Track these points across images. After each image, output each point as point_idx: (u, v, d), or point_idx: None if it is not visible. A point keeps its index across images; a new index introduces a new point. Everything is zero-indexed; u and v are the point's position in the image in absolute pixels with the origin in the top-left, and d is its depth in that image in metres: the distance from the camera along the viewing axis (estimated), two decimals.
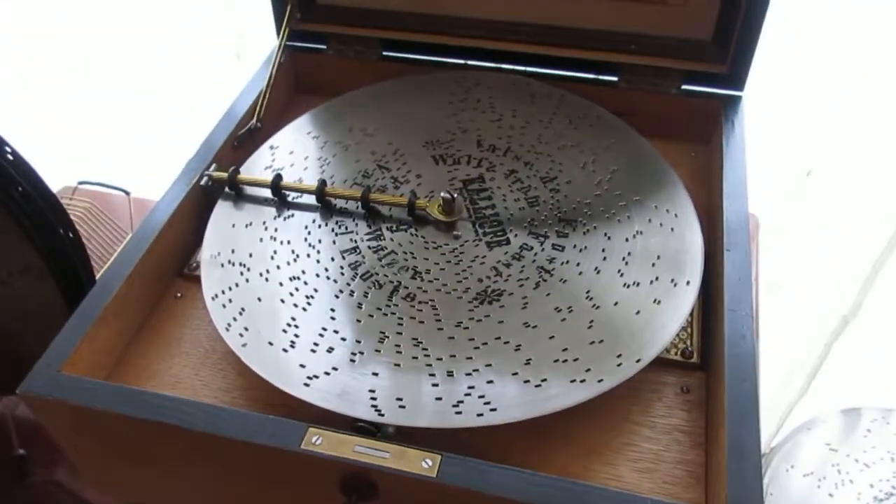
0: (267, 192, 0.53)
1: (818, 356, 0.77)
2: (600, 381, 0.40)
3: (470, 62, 0.65)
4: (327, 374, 0.42)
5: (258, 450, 0.38)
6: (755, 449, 0.37)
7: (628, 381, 0.41)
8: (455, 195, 0.50)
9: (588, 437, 0.43)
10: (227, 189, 0.53)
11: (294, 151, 0.57)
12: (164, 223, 0.50)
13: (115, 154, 1.18)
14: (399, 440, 0.38)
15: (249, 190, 0.54)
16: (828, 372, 0.80)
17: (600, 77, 0.63)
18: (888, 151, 0.63)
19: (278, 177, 0.52)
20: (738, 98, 0.59)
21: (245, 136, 0.58)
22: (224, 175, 0.53)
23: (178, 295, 0.51)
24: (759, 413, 0.39)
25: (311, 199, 0.52)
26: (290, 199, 0.53)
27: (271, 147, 0.58)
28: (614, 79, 0.62)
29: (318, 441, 0.38)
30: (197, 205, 0.53)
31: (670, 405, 0.44)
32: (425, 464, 0.37)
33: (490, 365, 0.41)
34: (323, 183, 0.51)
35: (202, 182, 0.53)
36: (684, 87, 0.60)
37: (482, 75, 0.62)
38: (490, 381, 0.40)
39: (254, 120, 0.59)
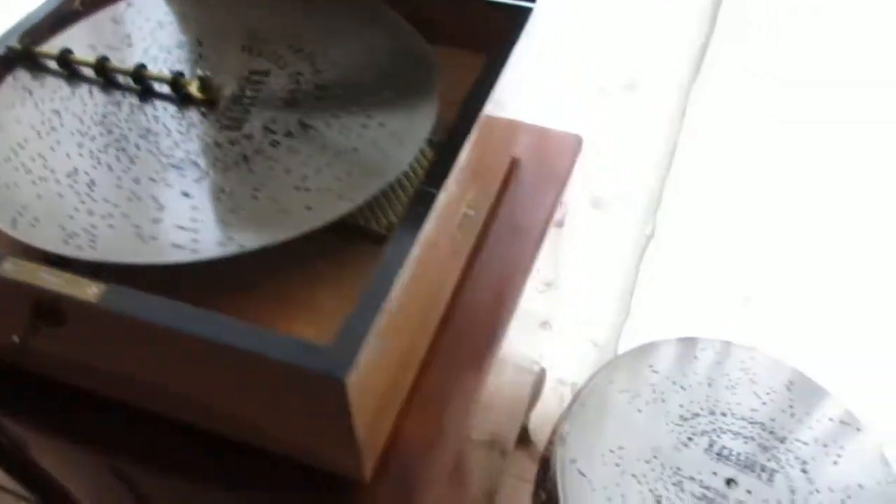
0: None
1: (631, 275, 0.80)
2: (195, 251, 0.44)
3: None
4: None
5: None
6: (379, 300, 0.41)
7: (335, 250, 0.47)
8: (211, 76, 0.54)
9: (289, 297, 0.48)
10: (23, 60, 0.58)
11: (143, 12, 0.62)
12: None
13: None
14: (103, 279, 0.43)
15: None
16: (644, 290, 0.83)
17: None
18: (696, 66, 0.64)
19: (66, 51, 0.57)
20: (529, 9, 0.61)
21: (65, 16, 0.63)
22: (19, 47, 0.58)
23: None
24: (397, 277, 0.42)
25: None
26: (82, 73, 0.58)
27: (128, 3, 0.63)
28: None
29: (9, 268, 0.43)
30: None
31: (365, 272, 0.48)
32: (92, 290, 0.42)
33: (127, 216, 0.46)
34: (104, 59, 0.56)
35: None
36: None
37: None
38: (111, 226, 0.45)
39: (76, 2, 0.63)
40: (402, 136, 0.51)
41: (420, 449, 0.51)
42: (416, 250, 0.44)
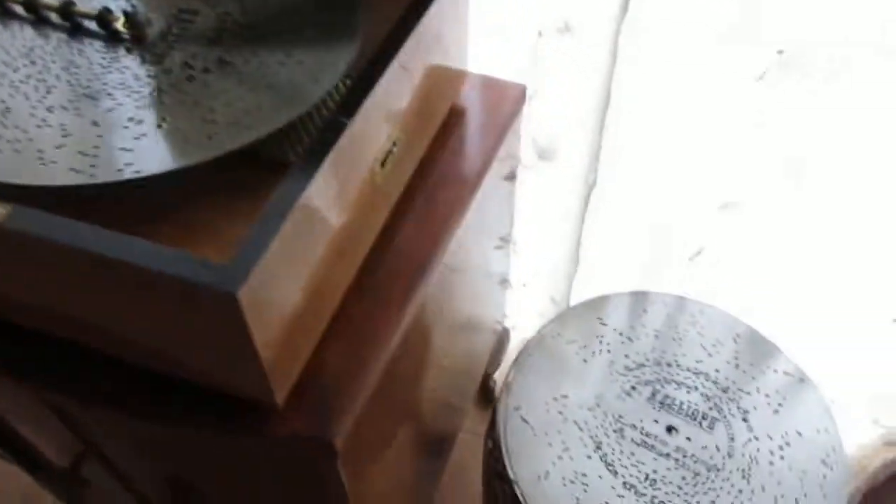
0: None
1: (576, 225, 0.80)
2: (92, 175, 0.45)
3: None
4: None
5: None
6: (277, 220, 0.42)
7: (252, 182, 0.48)
8: (138, 12, 0.54)
9: (201, 227, 0.49)
10: None
11: None
12: None
13: None
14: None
15: None
16: (591, 242, 0.83)
17: None
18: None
19: None
20: None
21: None
22: None
23: None
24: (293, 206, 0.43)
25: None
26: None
27: None
28: None
29: None
30: None
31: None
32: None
33: (33, 141, 0.47)
34: None
35: None
36: None
37: None
38: (16, 150, 0.46)
39: None
40: (318, 74, 0.52)
41: (338, 378, 0.52)
42: (322, 175, 0.45)
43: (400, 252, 0.60)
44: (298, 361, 0.51)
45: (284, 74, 0.52)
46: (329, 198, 0.47)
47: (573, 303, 0.94)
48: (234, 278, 0.39)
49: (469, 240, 0.81)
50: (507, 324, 1.10)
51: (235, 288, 0.39)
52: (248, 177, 0.50)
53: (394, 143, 0.56)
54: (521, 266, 0.95)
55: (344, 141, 0.47)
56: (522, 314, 1.06)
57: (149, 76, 0.52)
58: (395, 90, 0.53)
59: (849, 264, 0.78)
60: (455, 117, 0.70)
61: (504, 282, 1.00)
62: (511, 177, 0.83)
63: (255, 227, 0.41)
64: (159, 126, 0.47)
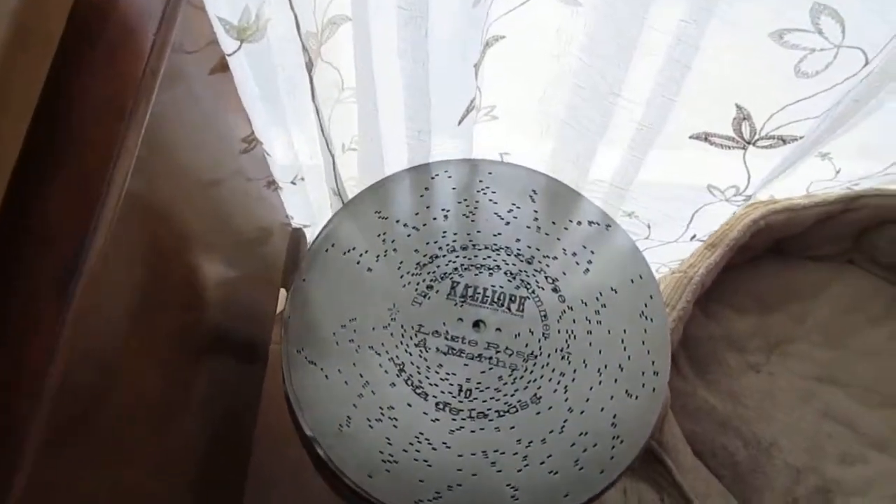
0: None
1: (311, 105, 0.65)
2: None
3: None
4: None
5: None
6: None
7: None
8: None
9: None
10: None
11: None
12: None
13: None
14: None
15: None
16: (338, 123, 0.68)
17: None
18: None
19: None
20: None
21: None
22: None
23: None
24: None
25: None
26: None
27: None
28: None
29: None
30: None
31: None
32: None
33: None
34: None
35: None
36: None
37: None
38: None
39: None
40: None
41: None
42: None
43: (44, 235, 0.43)
44: None
45: None
46: None
47: (355, 188, 0.81)
48: None
49: (202, 154, 0.64)
50: (299, 223, 0.95)
51: None
52: None
53: None
54: (283, 162, 0.79)
55: None
56: (312, 210, 0.92)
57: None
58: None
59: (630, 80, 0.67)
60: (87, 20, 0.50)
61: (271, 183, 0.84)
62: (221, 68, 0.65)
63: None
64: None
